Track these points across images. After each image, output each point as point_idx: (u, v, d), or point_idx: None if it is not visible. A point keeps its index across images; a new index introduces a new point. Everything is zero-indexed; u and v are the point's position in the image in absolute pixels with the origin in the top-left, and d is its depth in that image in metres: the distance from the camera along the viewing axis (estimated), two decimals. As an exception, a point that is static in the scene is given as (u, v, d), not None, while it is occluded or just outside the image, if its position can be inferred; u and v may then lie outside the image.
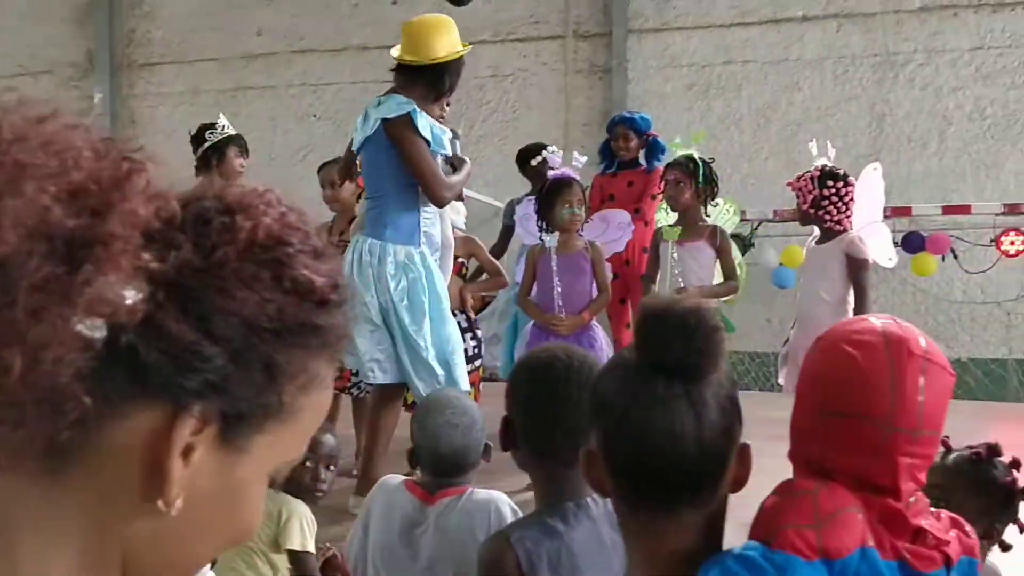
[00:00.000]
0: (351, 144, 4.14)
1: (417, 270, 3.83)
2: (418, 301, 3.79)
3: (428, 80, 3.84)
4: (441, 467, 2.43)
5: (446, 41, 3.88)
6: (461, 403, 2.50)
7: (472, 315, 4.77)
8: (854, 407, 1.29)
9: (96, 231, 0.60)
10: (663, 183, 4.47)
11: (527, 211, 5.15)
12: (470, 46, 3.99)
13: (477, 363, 4.61)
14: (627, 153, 5.55)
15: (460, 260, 4.75)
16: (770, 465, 4.69)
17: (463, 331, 4.67)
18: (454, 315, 4.67)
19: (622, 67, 9.87)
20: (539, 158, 5.62)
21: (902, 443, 1.29)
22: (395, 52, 3.92)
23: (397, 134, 3.79)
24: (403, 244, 3.85)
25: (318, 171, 4.96)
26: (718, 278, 4.41)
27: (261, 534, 2.80)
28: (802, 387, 1.38)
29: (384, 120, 3.78)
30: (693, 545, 1.26)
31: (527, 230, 5.18)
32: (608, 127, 5.82)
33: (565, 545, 1.74)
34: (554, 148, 4.96)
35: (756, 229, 8.52)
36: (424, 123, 3.79)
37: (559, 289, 4.38)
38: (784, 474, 4.47)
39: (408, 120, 3.75)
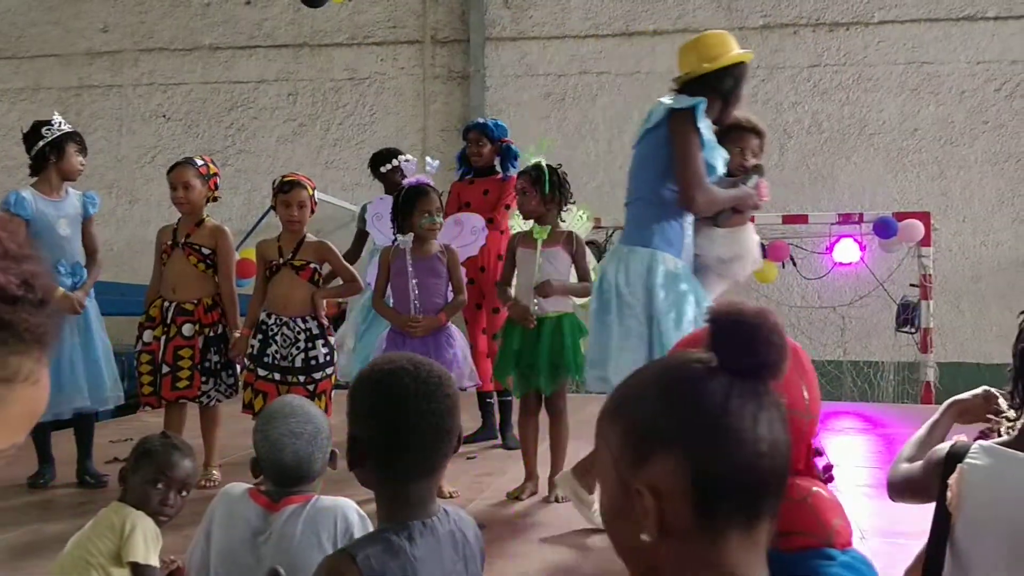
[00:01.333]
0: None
1: (685, 283, 3.62)
2: (683, 315, 3.56)
3: (710, 85, 3.67)
4: (285, 477, 2.39)
5: (723, 50, 3.78)
6: (305, 411, 2.46)
7: (325, 322, 4.71)
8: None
9: None
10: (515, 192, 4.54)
11: (378, 210, 5.12)
12: (751, 53, 3.88)
13: (329, 371, 4.56)
14: (480, 159, 5.58)
15: (313, 266, 4.68)
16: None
17: (315, 338, 4.61)
18: (305, 321, 4.62)
19: (480, 74, 9.95)
20: (389, 164, 5.61)
21: (812, 428, 1.49)
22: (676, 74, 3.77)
23: (677, 125, 3.56)
24: (671, 253, 3.63)
25: (168, 172, 4.81)
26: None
27: (101, 546, 2.70)
28: None
29: (672, 110, 3.59)
30: (764, 560, 1.17)
31: (379, 230, 5.16)
32: (463, 133, 5.85)
33: (411, 564, 1.67)
34: (408, 156, 4.97)
35: (611, 237, 8.72)
36: (705, 124, 3.62)
37: (416, 291, 4.38)
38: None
39: (691, 113, 3.57)
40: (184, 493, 2.85)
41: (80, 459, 4.85)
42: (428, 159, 4.71)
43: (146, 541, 2.76)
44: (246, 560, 2.31)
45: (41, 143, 4.70)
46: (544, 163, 4.45)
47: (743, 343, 1.13)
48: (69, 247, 4.70)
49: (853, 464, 5.46)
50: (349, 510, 2.36)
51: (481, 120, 5.84)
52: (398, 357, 1.82)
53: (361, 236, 5.97)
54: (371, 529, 2.45)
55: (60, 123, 4.75)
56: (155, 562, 2.79)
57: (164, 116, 10.47)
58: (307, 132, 10.36)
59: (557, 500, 4.39)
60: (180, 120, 10.45)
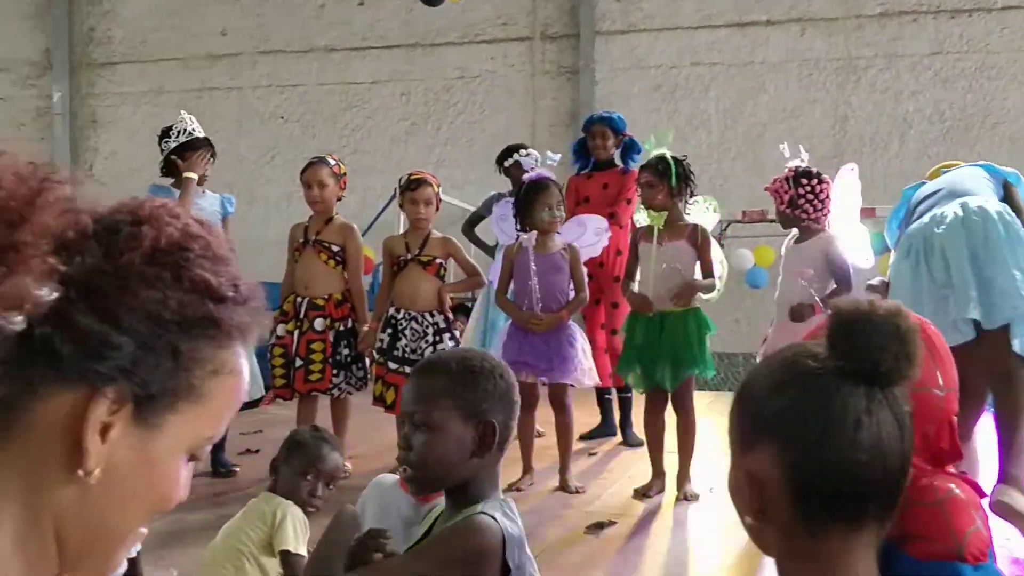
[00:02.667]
0: None
1: None
2: None
3: None
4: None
5: None
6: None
7: (450, 315, 4.77)
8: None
9: (10, 239, 0.70)
10: (638, 186, 4.49)
11: (504, 212, 5.15)
12: None
13: (455, 364, 4.61)
14: (603, 152, 5.55)
15: (439, 261, 4.74)
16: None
17: (442, 331, 4.67)
18: (432, 315, 4.68)
19: (589, 68, 9.92)
20: (511, 159, 5.63)
21: (951, 402, 1.39)
22: None
23: None
24: None
25: (302, 171, 4.92)
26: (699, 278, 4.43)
27: (252, 535, 2.79)
28: None
29: None
30: (873, 568, 1.16)
31: (503, 231, 5.18)
32: (584, 126, 5.81)
33: (519, 528, 1.86)
34: (530, 150, 4.97)
35: (725, 230, 8.60)
36: None
37: (537, 289, 4.39)
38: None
39: None
40: (331, 486, 2.92)
41: (214, 450, 5.01)
42: (549, 153, 4.71)
43: (295, 530, 2.84)
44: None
45: (168, 147, 4.81)
46: (669, 155, 4.39)
47: (860, 345, 1.10)
48: None
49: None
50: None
51: (605, 113, 5.81)
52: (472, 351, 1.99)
53: (477, 218, 6.07)
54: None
55: (185, 128, 4.84)
56: (304, 551, 2.86)
57: (282, 117, 10.73)
58: (419, 131, 10.48)
59: (686, 498, 4.35)
60: (297, 121, 10.69)
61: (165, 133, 4.85)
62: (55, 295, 0.71)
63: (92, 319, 0.73)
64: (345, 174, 4.99)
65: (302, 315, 4.77)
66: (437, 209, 4.83)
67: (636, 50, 9.91)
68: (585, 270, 4.65)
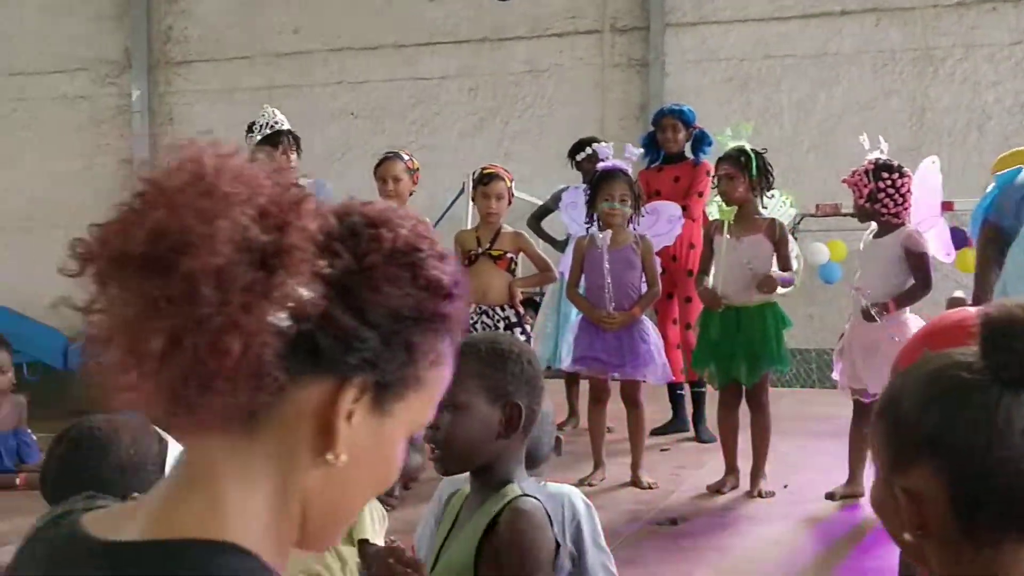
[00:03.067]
0: None
1: None
2: None
3: None
4: (515, 460, 2.43)
5: None
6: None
7: (521, 310, 4.77)
8: None
9: (282, 243, 0.77)
10: (715, 178, 4.44)
11: (572, 199, 5.13)
12: None
13: (528, 358, 4.62)
14: (675, 145, 5.51)
15: (509, 255, 4.75)
16: (821, 462, 4.66)
17: (512, 326, 4.68)
18: (503, 310, 4.69)
19: (659, 61, 9.84)
20: (584, 152, 5.61)
21: None
22: None
23: None
24: None
25: (377, 166, 4.97)
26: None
27: (331, 526, 2.83)
28: None
29: None
30: None
31: (572, 218, 5.17)
32: (654, 119, 5.79)
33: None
34: (604, 143, 4.94)
35: (798, 224, 8.47)
36: None
37: (610, 284, 4.37)
38: (833, 471, 4.41)
39: None
40: (408, 487, 2.95)
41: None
42: (628, 146, 4.68)
43: (373, 520, 2.87)
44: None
45: (253, 141, 4.90)
46: (749, 148, 4.34)
47: (1020, 351, 1.05)
48: None
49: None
50: (575, 497, 2.37)
51: (676, 106, 5.77)
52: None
53: (545, 211, 6.07)
54: (596, 517, 2.47)
55: (267, 121, 4.91)
56: (381, 542, 2.89)
57: (352, 114, 10.83)
58: (487, 126, 10.51)
59: (760, 495, 4.30)
60: (367, 117, 10.79)
61: (250, 128, 4.92)
62: (320, 295, 0.78)
63: (347, 316, 0.80)
64: (418, 169, 5.03)
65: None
66: (509, 203, 4.84)
67: (707, 42, 9.80)
68: (659, 262, 4.61)
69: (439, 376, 0.89)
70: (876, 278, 4.16)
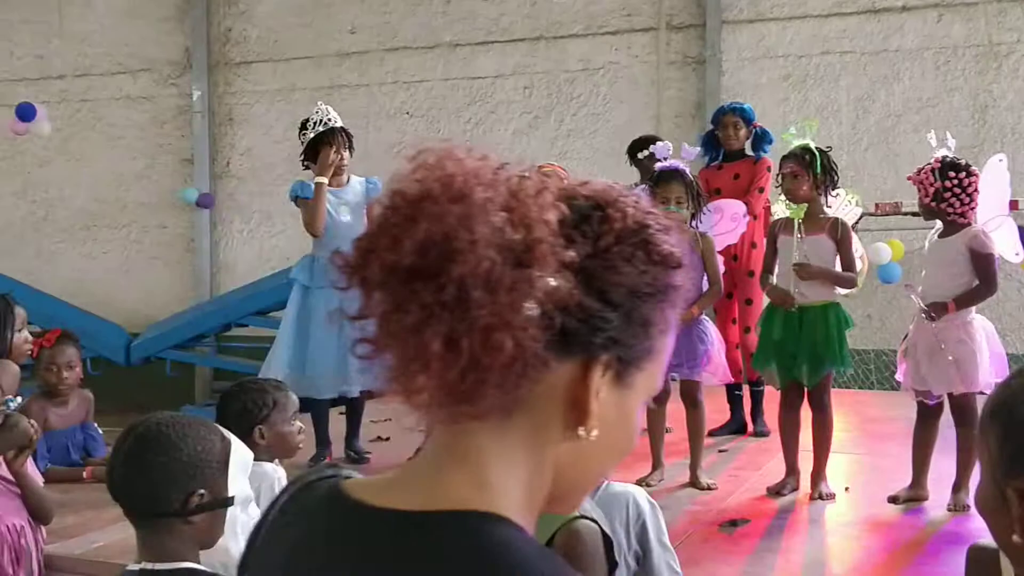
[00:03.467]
0: None
1: None
2: None
3: None
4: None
5: None
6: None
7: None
8: None
9: (529, 239, 0.81)
10: (778, 176, 4.39)
11: None
12: None
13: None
14: (735, 143, 5.49)
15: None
16: (882, 465, 4.59)
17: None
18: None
19: (716, 58, 9.76)
20: (645, 152, 5.59)
21: None
22: None
23: None
24: None
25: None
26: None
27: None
28: None
29: None
30: None
31: None
32: (714, 117, 5.75)
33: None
34: (664, 142, 4.93)
35: (857, 223, 8.35)
36: None
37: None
38: (895, 474, 4.34)
39: None
40: None
41: (348, 437, 5.14)
42: (684, 145, 4.65)
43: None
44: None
45: (307, 138, 4.94)
46: (813, 145, 4.30)
47: None
48: (351, 233, 4.89)
49: None
50: (640, 496, 2.38)
51: (737, 103, 5.74)
52: None
53: None
54: (660, 516, 2.47)
55: (321, 119, 4.93)
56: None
57: (408, 113, 10.90)
58: (542, 124, 10.50)
59: (821, 497, 4.25)
60: (422, 116, 10.85)
61: (304, 125, 4.97)
62: (568, 284, 0.82)
63: (591, 299, 0.84)
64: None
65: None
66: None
67: (764, 39, 9.70)
68: (721, 259, 4.58)
69: (668, 343, 0.93)
70: (941, 278, 4.09)
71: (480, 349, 0.80)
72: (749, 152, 5.57)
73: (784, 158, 4.34)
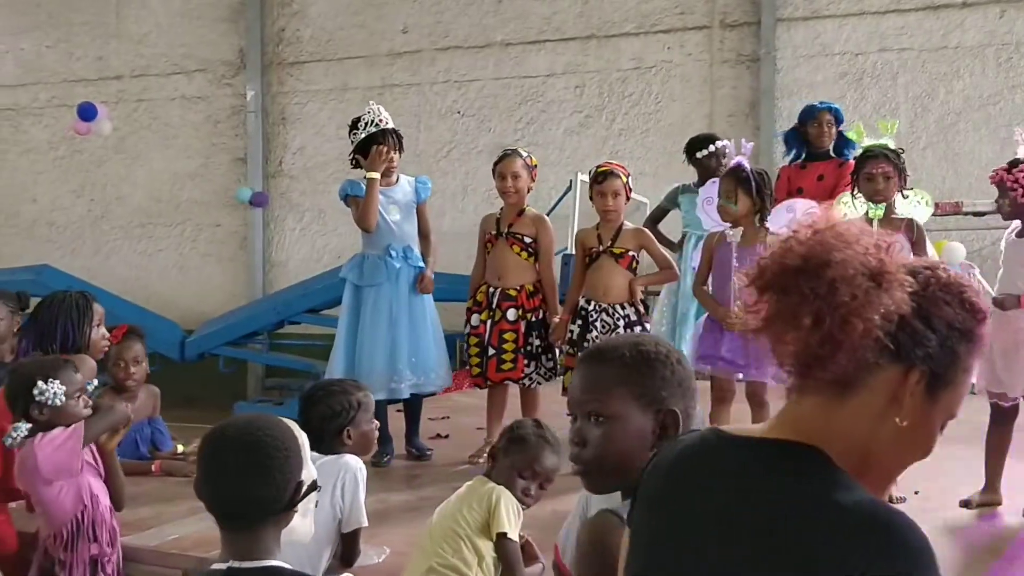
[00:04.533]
0: None
1: None
2: None
3: None
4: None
5: None
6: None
7: (642, 308, 4.74)
8: None
9: (883, 268, 1.23)
10: (867, 177, 4.26)
11: (709, 194, 5.08)
12: None
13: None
14: (828, 141, 5.50)
15: (631, 253, 4.72)
16: (953, 468, 4.44)
17: (633, 324, 4.66)
18: (623, 308, 4.67)
19: (770, 56, 9.67)
20: (706, 150, 5.55)
21: None
22: None
23: None
24: None
25: (496, 162, 5.00)
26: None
27: (469, 518, 2.85)
28: None
29: None
30: None
31: (708, 214, 5.13)
32: (805, 114, 5.70)
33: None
34: (725, 140, 4.89)
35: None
36: None
37: (736, 284, 4.31)
38: (967, 478, 4.24)
39: None
40: (543, 487, 2.95)
41: (408, 434, 5.16)
42: (743, 141, 4.61)
43: (510, 515, 2.89)
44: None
45: (357, 138, 4.85)
46: (893, 145, 4.24)
47: None
48: (400, 232, 4.94)
49: None
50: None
51: (830, 103, 5.72)
52: None
53: (661, 212, 6.01)
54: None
55: (372, 119, 4.84)
56: (516, 536, 2.91)
57: (459, 112, 10.93)
58: (593, 123, 10.48)
59: (891, 501, 4.18)
60: (473, 116, 10.87)
61: (354, 124, 4.91)
62: (905, 307, 1.22)
63: (918, 322, 1.24)
64: (536, 166, 5.05)
65: (495, 305, 4.84)
66: (628, 200, 4.81)
67: (820, 37, 9.59)
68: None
69: (968, 380, 1.28)
70: (1019, 278, 4.01)
71: (837, 327, 1.20)
72: (835, 154, 5.53)
73: (871, 158, 4.23)
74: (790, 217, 4.66)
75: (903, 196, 4.29)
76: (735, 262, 4.28)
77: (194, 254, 11.99)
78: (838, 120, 5.58)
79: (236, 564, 1.87)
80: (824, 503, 1.17)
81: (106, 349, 3.93)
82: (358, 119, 4.92)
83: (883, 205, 4.20)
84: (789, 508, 1.19)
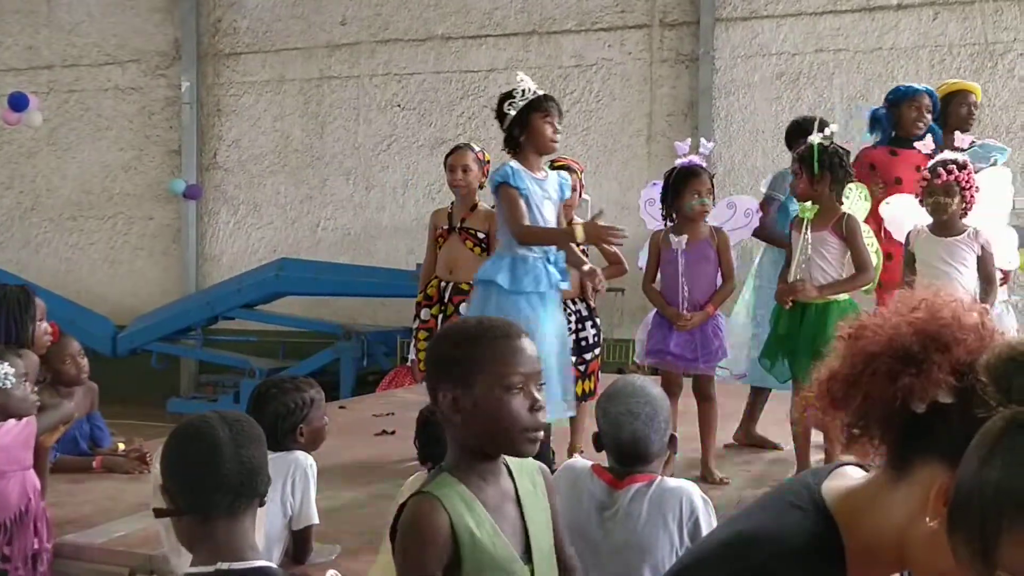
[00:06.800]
0: None
1: None
2: None
3: None
4: (623, 455, 2.44)
5: None
6: (645, 392, 2.49)
7: (592, 303, 4.75)
8: None
9: (925, 356, 1.24)
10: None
11: (651, 195, 5.10)
12: None
13: (597, 351, 4.60)
14: (923, 129, 4.95)
15: (582, 248, 4.71)
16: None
17: (584, 319, 4.66)
18: (574, 303, 4.66)
19: (709, 56, 9.78)
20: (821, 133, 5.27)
21: None
22: None
23: None
24: None
25: (447, 155, 4.95)
26: (850, 269, 4.31)
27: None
28: None
29: None
30: None
31: (651, 215, 5.14)
32: (901, 95, 5.13)
33: None
34: (705, 141, 4.79)
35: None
36: None
37: (685, 285, 4.33)
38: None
39: None
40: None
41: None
42: (703, 140, 4.64)
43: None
44: (593, 534, 2.37)
45: (515, 107, 3.89)
46: (817, 142, 4.17)
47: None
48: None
49: None
50: (694, 494, 2.37)
51: (926, 86, 5.23)
52: None
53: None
54: (713, 513, 2.46)
55: (525, 90, 3.91)
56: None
57: (399, 105, 10.85)
58: (535, 119, 10.48)
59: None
60: (414, 109, 10.80)
61: (507, 95, 3.95)
62: (948, 400, 1.20)
63: (965, 418, 1.16)
64: (488, 161, 5.01)
65: (446, 299, 4.81)
66: (580, 196, 4.79)
67: (758, 37, 9.73)
68: (735, 255, 4.56)
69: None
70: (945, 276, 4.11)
71: (905, 393, 1.22)
72: (919, 147, 4.80)
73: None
74: (730, 213, 4.71)
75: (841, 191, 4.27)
76: (681, 263, 4.31)
77: (126, 247, 11.73)
78: (935, 107, 5.02)
79: (224, 566, 1.75)
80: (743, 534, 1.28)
81: (48, 344, 3.82)
82: (509, 92, 4.07)
83: (813, 204, 4.16)
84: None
